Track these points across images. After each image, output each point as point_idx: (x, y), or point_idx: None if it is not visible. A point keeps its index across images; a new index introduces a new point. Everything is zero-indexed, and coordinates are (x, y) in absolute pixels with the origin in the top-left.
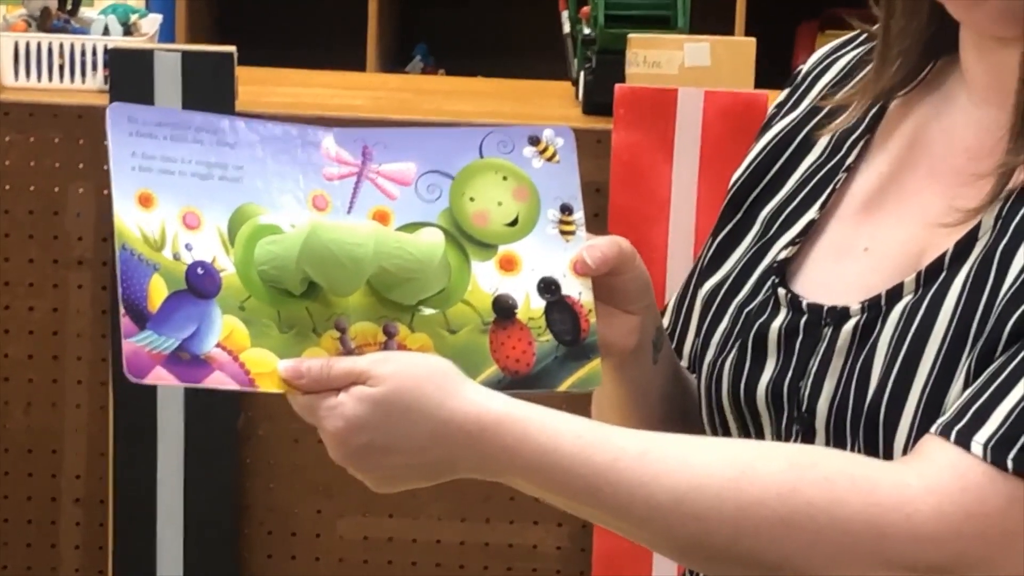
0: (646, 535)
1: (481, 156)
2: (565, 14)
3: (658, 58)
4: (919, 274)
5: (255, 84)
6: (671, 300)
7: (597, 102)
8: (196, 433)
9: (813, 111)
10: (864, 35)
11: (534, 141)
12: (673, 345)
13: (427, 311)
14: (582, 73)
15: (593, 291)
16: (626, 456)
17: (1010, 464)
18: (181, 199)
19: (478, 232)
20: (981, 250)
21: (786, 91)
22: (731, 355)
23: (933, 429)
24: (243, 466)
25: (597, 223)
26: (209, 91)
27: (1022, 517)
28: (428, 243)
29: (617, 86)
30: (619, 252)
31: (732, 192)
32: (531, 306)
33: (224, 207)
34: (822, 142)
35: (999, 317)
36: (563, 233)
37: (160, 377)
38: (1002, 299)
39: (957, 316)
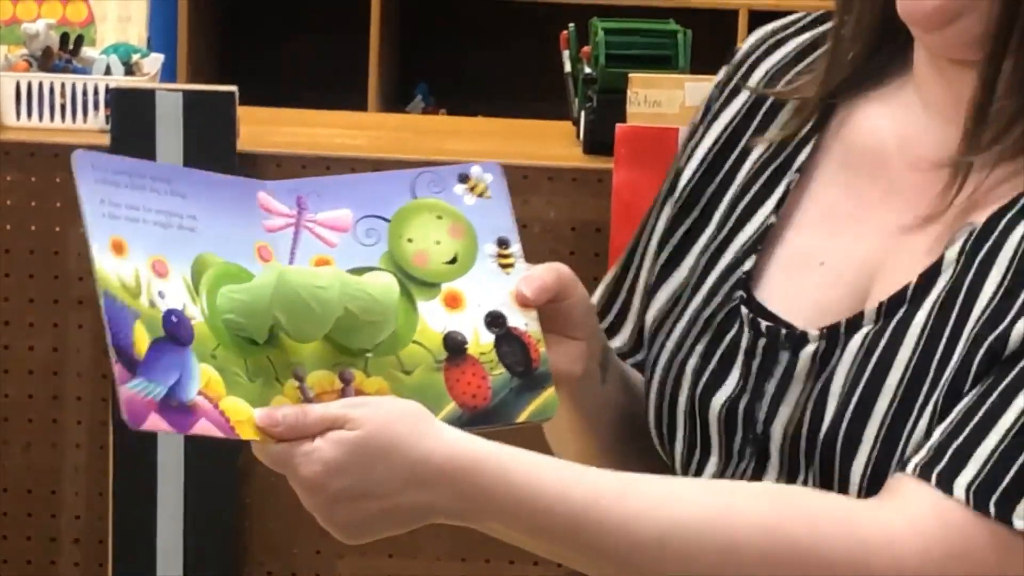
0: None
1: (414, 197)
2: (566, 54)
3: (659, 97)
4: (880, 305)
5: (256, 123)
6: (607, 280)
7: (598, 141)
8: (196, 473)
9: (755, 106)
10: (807, 19)
11: (463, 179)
12: (606, 325)
13: (379, 356)
14: (583, 112)
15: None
16: (607, 495)
17: (992, 509)
18: (148, 247)
19: (420, 272)
20: (945, 285)
21: (724, 71)
22: (692, 360)
23: (911, 470)
24: (243, 506)
25: (598, 263)
26: (210, 130)
27: (1003, 560)
28: (383, 284)
29: (618, 125)
30: (558, 278)
31: (687, 192)
32: (480, 341)
33: (185, 256)
34: (767, 139)
35: (968, 350)
36: (503, 267)
37: (156, 424)
38: (970, 333)
39: (919, 351)
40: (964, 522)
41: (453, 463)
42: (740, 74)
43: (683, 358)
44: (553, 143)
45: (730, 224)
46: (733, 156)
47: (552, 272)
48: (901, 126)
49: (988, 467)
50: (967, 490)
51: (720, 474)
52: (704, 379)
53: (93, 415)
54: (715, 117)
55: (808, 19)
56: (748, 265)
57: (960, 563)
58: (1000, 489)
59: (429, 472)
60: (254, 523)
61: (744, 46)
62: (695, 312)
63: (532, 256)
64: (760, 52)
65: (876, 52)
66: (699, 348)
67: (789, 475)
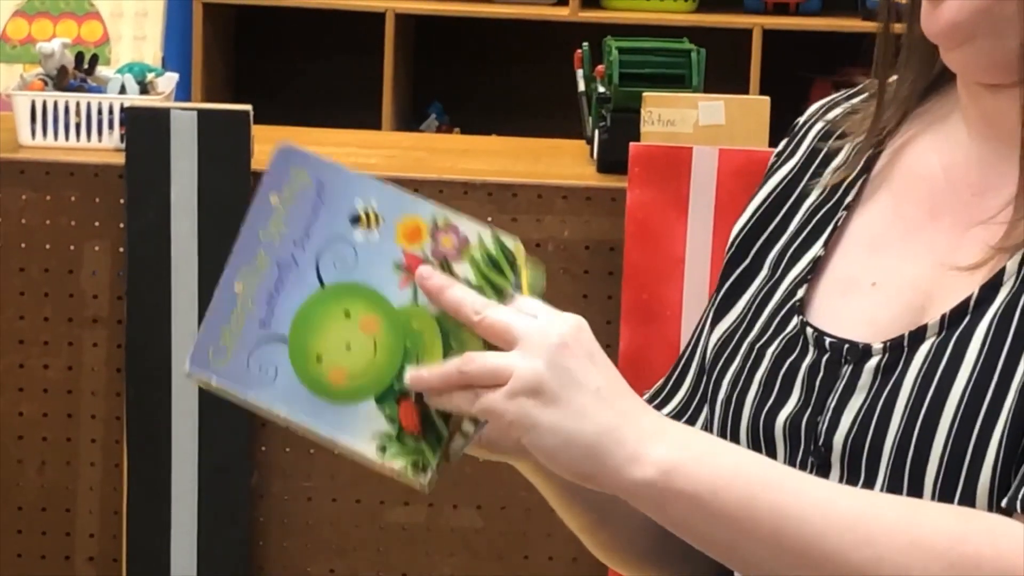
0: (809, 554)
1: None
2: (580, 72)
3: (673, 116)
4: (943, 317)
5: (271, 142)
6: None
7: (612, 160)
8: (210, 492)
9: (810, 157)
10: (855, 88)
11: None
12: (660, 399)
13: None
14: (597, 131)
15: None
16: (792, 474)
17: None
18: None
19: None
20: (1007, 295)
21: (784, 140)
22: (752, 390)
23: None
24: (256, 525)
25: (612, 281)
26: (225, 149)
27: None
28: None
29: (632, 144)
30: None
31: (737, 242)
32: None
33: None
34: (820, 184)
35: None
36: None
37: None
38: None
39: (982, 361)
40: None
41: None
42: (796, 140)
43: (741, 389)
44: (567, 162)
45: (782, 266)
46: (784, 209)
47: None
48: (948, 153)
49: None
50: None
51: None
52: (768, 405)
53: (108, 434)
54: (768, 178)
55: (855, 88)
56: (800, 294)
57: None
58: None
59: (623, 387)
60: (268, 541)
61: (802, 118)
62: (750, 346)
63: (546, 275)
64: (814, 119)
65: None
66: (757, 377)
67: (849, 483)
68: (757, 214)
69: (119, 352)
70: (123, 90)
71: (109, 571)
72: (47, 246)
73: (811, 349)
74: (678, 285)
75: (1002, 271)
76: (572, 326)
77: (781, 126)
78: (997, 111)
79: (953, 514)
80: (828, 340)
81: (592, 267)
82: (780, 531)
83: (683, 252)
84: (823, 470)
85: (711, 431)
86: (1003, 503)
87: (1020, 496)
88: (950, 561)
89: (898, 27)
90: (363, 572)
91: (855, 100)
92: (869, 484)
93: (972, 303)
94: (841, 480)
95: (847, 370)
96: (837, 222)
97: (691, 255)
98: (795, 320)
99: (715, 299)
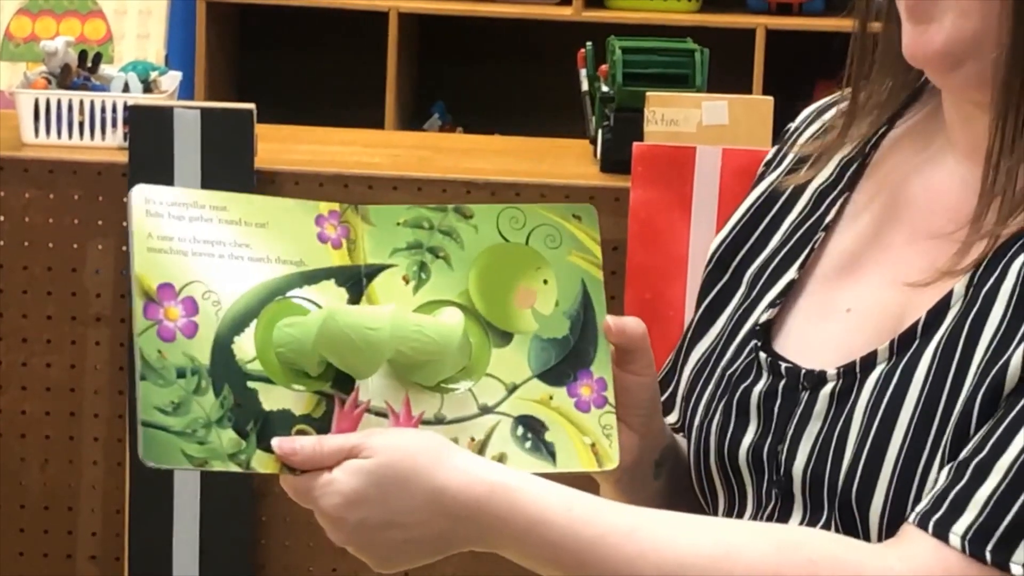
0: None
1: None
2: (583, 72)
3: (676, 116)
4: (892, 342)
5: (274, 141)
6: (670, 356)
7: (615, 160)
8: (212, 491)
9: (794, 168)
10: (846, 92)
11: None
12: (664, 397)
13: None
14: (600, 131)
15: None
16: (615, 533)
17: (988, 556)
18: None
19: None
20: (952, 319)
21: (774, 149)
22: (716, 418)
23: (912, 519)
24: (259, 524)
25: (615, 281)
26: (228, 148)
27: None
28: (447, 325)
29: (635, 144)
30: (639, 330)
31: (718, 254)
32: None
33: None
34: (803, 200)
35: (975, 385)
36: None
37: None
38: (975, 373)
39: (928, 388)
40: (961, 569)
41: (466, 493)
42: (785, 147)
43: (709, 418)
44: (570, 161)
45: (758, 287)
46: (765, 223)
47: (637, 322)
48: (930, 176)
49: (985, 513)
50: (963, 538)
51: (752, 519)
52: (729, 433)
53: (110, 432)
54: (755, 187)
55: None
56: (765, 317)
57: None
58: (997, 535)
59: (446, 502)
60: (270, 541)
61: (792, 125)
62: (722, 371)
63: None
64: (804, 126)
65: (910, 103)
66: (722, 405)
67: (812, 515)
68: (738, 227)
69: (122, 350)
70: (126, 88)
71: (111, 570)
72: (50, 244)
73: (765, 375)
74: (681, 284)
75: (950, 294)
76: (367, 485)
77: (784, 126)
78: (983, 129)
79: (772, 544)
80: (784, 366)
81: None
82: None
83: (686, 252)
84: (786, 501)
85: (689, 459)
86: (909, 517)
87: (919, 508)
88: None
89: (876, 26)
90: (365, 571)
91: (842, 105)
92: (830, 514)
93: (920, 328)
94: (805, 513)
95: (804, 396)
96: (815, 244)
97: (694, 255)
98: (753, 343)
99: (695, 315)
